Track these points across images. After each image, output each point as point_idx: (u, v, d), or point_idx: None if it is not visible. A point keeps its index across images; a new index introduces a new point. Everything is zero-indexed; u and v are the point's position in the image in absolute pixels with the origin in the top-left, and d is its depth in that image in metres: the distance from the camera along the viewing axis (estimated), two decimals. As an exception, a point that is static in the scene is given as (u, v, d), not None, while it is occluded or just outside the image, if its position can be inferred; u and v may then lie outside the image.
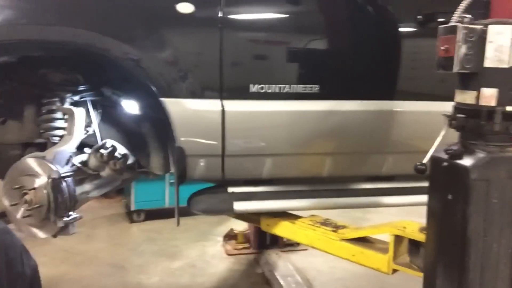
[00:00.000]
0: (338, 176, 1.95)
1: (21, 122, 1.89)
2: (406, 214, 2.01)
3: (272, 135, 1.79)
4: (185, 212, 2.04)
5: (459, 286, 1.19)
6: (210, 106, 1.69)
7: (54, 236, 1.73)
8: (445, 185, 1.23)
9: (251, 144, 1.77)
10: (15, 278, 0.82)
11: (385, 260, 1.66)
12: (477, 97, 1.22)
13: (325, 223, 1.91)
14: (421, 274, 1.44)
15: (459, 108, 1.26)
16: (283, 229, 1.94)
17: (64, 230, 1.71)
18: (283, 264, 3.55)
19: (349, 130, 1.84)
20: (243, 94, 1.72)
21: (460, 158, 1.19)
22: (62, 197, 1.66)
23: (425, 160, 1.26)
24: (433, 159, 1.26)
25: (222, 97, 1.70)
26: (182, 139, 1.69)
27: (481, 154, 1.17)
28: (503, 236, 1.18)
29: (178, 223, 1.91)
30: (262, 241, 3.78)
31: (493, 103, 1.16)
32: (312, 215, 2.02)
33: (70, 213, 1.72)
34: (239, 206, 1.83)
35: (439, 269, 1.25)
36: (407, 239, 1.68)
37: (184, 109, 1.66)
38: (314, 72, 1.85)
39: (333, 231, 1.83)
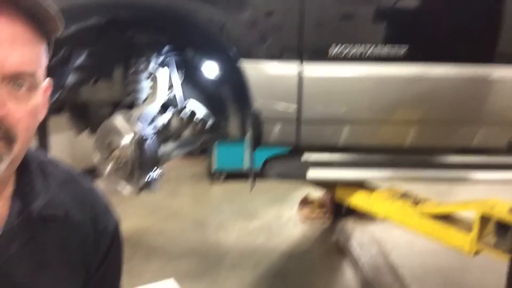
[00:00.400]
0: (423, 147, 1.83)
1: (111, 82, 2.01)
2: (496, 192, 1.84)
3: (352, 101, 1.71)
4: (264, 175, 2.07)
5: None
6: (288, 69, 1.65)
7: (139, 191, 1.85)
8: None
9: (329, 109, 1.72)
10: (100, 234, 0.88)
11: (468, 240, 1.54)
12: None
13: (405, 196, 1.82)
14: (507, 258, 1.32)
15: None
16: (358, 199, 1.89)
17: (147, 186, 1.82)
18: (359, 234, 3.49)
19: (439, 97, 1.70)
20: (323, 56, 1.65)
21: None
22: (146, 155, 1.76)
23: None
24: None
25: (301, 60, 1.65)
26: (259, 102, 1.68)
27: None
28: None
29: (252, 187, 1.93)
30: (339, 209, 3.73)
31: None
32: (391, 187, 1.92)
33: (153, 170, 1.82)
34: (313, 173, 1.80)
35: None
36: (494, 219, 1.55)
37: (262, 72, 1.64)
38: (402, 30, 1.72)
39: (413, 205, 1.73)
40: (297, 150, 1.90)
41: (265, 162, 1.91)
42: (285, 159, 1.90)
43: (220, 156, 4.66)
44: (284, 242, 3.52)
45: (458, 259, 2.94)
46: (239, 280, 2.94)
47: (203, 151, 5.18)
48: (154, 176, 1.81)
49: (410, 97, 1.71)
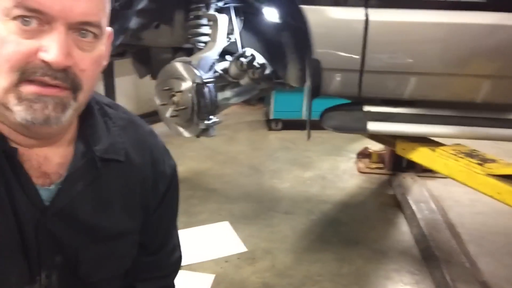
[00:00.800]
0: (496, 103, 1.69)
1: (172, 27, 2.02)
2: None
3: (421, 51, 1.60)
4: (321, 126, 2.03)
5: None
6: (352, 14, 1.56)
7: (197, 136, 1.91)
8: None
9: (395, 59, 1.61)
10: (158, 177, 0.91)
11: (538, 204, 1.44)
12: None
13: (471, 154, 1.71)
14: None
15: None
16: (420, 155, 1.80)
17: (205, 132, 1.87)
18: (418, 189, 3.40)
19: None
20: (391, 1, 1.53)
21: None
22: (204, 101, 1.78)
23: None
24: None
25: (367, 5, 1.55)
26: (320, 50, 1.62)
27: None
28: None
29: (309, 137, 1.91)
30: (398, 163, 3.63)
31: None
32: (457, 144, 1.82)
33: (211, 116, 1.84)
34: (373, 126, 1.74)
35: None
36: None
37: (324, 18, 1.56)
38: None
39: (479, 164, 1.63)
40: (357, 102, 1.83)
41: (324, 113, 1.86)
42: (345, 111, 1.84)
43: (278, 105, 4.64)
44: (338, 192, 3.52)
45: (523, 222, 2.81)
46: (291, 226, 3.01)
47: (261, 99, 5.19)
48: (212, 122, 1.84)
49: (485, 48, 1.56)
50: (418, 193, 3.35)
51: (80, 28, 0.69)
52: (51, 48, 0.66)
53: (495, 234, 2.91)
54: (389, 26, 1.57)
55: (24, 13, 0.65)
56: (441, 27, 1.57)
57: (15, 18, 0.65)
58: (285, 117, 4.70)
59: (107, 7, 0.74)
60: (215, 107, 1.83)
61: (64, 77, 0.68)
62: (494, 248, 2.77)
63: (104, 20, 0.73)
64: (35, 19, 0.65)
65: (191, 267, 2.55)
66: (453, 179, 1.72)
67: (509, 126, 1.71)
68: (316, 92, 1.74)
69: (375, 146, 3.84)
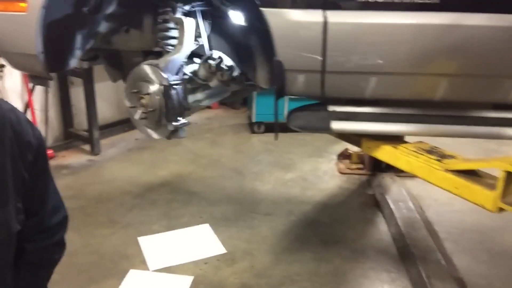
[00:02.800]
0: (455, 101, 1.73)
1: (141, 31, 2.04)
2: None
3: (379, 51, 1.64)
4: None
5: None
6: (311, 17, 1.59)
7: (168, 138, 1.93)
8: None
9: (355, 60, 1.65)
10: (25, 147, 0.98)
11: (491, 197, 1.48)
12: None
13: (431, 151, 1.75)
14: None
15: None
16: (384, 153, 1.85)
17: (175, 133, 1.89)
18: (397, 189, 3.44)
19: (474, 49, 1.58)
20: (349, 3, 1.58)
21: None
22: (172, 103, 1.81)
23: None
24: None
25: (325, 7, 1.58)
26: (282, 52, 1.65)
27: None
28: None
29: (277, 137, 1.94)
30: (377, 163, 3.67)
31: None
32: (419, 142, 1.86)
33: (180, 118, 1.87)
34: (337, 125, 1.78)
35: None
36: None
37: (284, 20, 1.60)
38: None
39: (438, 160, 1.67)
40: (323, 102, 1.87)
41: (290, 113, 1.90)
42: (310, 111, 1.88)
43: (260, 108, 4.68)
44: (319, 193, 3.55)
45: (499, 219, 2.85)
46: (271, 227, 3.03)
47: (245, 103, 5.23)
48: (180, 124, 1.86)
49: (441, 48, 1.60)
50: (397, 192, 3.40)
51: None
52: None
53: (471, 232, 2.95)
54: (347, 28, 1.61)
55: None
56: (398, 28, 1.61)
57: None
58: (268, 120, 4.74)
59: None
60: (183, 109, 1.86)
61: None
62: (470, 245, 2.82)
63: None
64: None
65: (170, 270, 2.57)
66: (415, 175, 1.76)
67: (468, 123, 1.76)
68: (281, 92, 1.78)
69: (356, 147, 3.89)
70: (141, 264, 2.62)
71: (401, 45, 1.62)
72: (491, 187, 1.53)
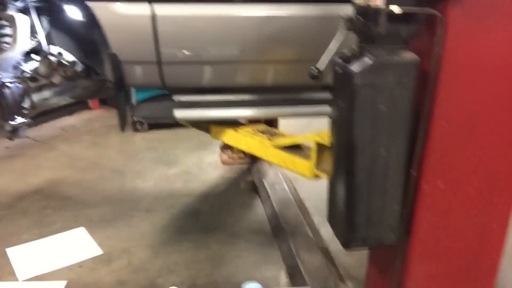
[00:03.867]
0: (285, 85, 1.90)
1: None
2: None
3: (208, 42, 1.74)
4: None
5: (347, 190, 1.20)
6: (138, 10, 1.64)
7: (9, 138, 1.85)
8: (338, 91, 1.18)
9: (187, 50, 1.73)
10: None
11: (308, 166, 1.67)
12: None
13: (264, 131, 1.92)
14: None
15: (355, 9, 1.16)
16: (228, 136, 1.97)
17: (14, 133, 1.82)
18: (273, 173, 3.65)
19: (286, 37, 1.74)
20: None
21: (348, 62, 1.12)
22: (6, 102, 1.74)
23: (319, 65, 1.20)
24: (333, 63, 1.20)
25: (151, 0, 1.64)
26: (115, 45, 1.68)
27: (367, 59, 1.09)
28: (392, 144, 1.15)
29: (123, 129, 1.97)
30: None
31: (379, 2, 1.06)
32: (256, 124, 2.02)
33: (17, 117, 1.81)
34: (180, 113, 1.85)
35: (335, 173, 1.26)
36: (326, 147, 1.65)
37: (111, 14, 1.62)
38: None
39: (269, 139, 1.84)
40: (169, 93, 1.93)
41: (136, 105, 1.93)
42: (156, 101, 1.94)
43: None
44: (201, 185, 3.63)
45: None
46: (151, 222, 3.04)
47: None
48: (18, 123, 1.81)
49: (263, 37, 1.75)
50: (273, 176, 3.60)
51: None
52: None
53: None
54: (175, 20, 1.68)
55: None
56: (223, 19, 1.72)
57: None
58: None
59: None
60: (19, 108, 1.80)
61: None
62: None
63: None
64: None
65: (41, 277, 2.47)
66: (254, 154, 1.91)
67: (299, 104, 1.95)
68: (121, 84, 1.80)
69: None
70: (10, 275, 2.48)
71: (228, 36, 1.74)
72: (308, 157, 1.72)
